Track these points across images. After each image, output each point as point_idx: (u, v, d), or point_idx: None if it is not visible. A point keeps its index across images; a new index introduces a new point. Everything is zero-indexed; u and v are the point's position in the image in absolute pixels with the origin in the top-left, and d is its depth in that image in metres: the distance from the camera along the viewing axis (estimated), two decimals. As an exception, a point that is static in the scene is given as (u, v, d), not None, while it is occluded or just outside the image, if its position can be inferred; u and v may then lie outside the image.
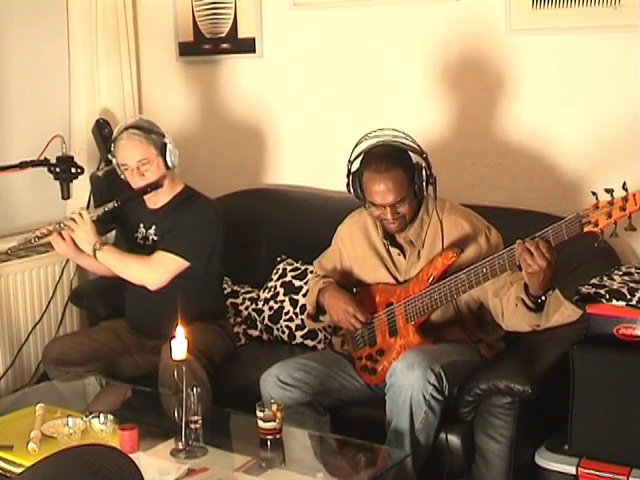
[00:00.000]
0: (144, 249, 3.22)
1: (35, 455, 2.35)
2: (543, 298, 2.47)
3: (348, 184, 2.76)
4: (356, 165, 2.76)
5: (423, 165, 2.68)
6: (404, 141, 2.71)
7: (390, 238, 2.81)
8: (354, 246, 2.91)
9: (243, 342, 3.43)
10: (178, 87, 4.13)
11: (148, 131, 3.14)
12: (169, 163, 3.16)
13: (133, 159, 3.12)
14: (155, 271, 3.12)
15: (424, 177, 2.67)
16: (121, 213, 3.29)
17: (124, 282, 3.20)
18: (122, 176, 3.20)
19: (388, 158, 2.66)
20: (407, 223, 2.74)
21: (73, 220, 3.10)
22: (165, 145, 3.14)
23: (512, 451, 2.65)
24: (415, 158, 2.71)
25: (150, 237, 3.24)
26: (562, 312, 2.48)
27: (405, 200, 2.67)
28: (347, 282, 2.95)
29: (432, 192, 2.71)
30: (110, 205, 3.14)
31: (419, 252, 2.77)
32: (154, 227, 3.24)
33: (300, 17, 3.74)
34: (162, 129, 3.18)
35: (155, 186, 3.17)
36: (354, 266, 2.93)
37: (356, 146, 2.75)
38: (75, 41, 3.90)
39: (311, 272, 3.34)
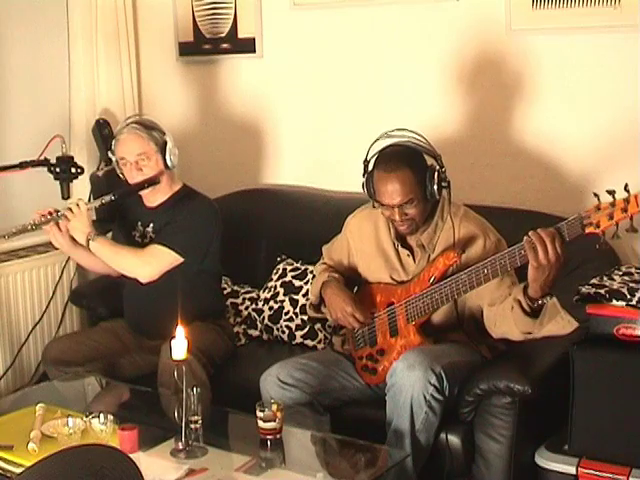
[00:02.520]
0: (142, 247, 3.21)
1: (35, 455, 2.34)
2: (540, 302, 2.45)
3: (363, 184, 2.75)
4: (371, 165, 2.74)
5: (437, 168, 2.66)
6: (419, 143, 2.68)
7: (401, 239, 2.80)
8: (362, 240, 2.90)
9: (243, 342, 3.43)
10: (178, 87, 4.13)
11: (149, 128, 3.15)
12: (168, 162, 3.16)
13: (132, 153, 3.12)
14: (148, 264, 3.11)
15: (436, 180, 2.64)
16: (119, 211, 3.30)
17: (123, 277, 3.20)
18: (120, 174, 3.19)
19: (397, 158, 2.65)
20: (418, 226, 2.72)
21: (70, 210, 3.09)
22: (165, 144, 3.15)
23: (512, 451, 2.64)
24: (430, 161, 2.69)
25: (148, 235, 3.24)
26: (557, 321, 2.46)
27: (413, 202, 2.65)
28: (353, 274, 2.94)
29: (447, 196, 2.69)
30: (107, 198, 3.13)
31: (429, 256, 2.75)
32: (152, 225, 3.24)
33: (300, 17, 3.74)
34: (164, 128, 3.19)
35: (152, 182, 3.16)
36: (359, 261, 2.92)
37: (372, 145, 2.72)
38: (75, 41, 3.90)
39: (311, 272, 3.34)
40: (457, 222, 2.72)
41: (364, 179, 2.73)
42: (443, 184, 2.66)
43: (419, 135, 2.69)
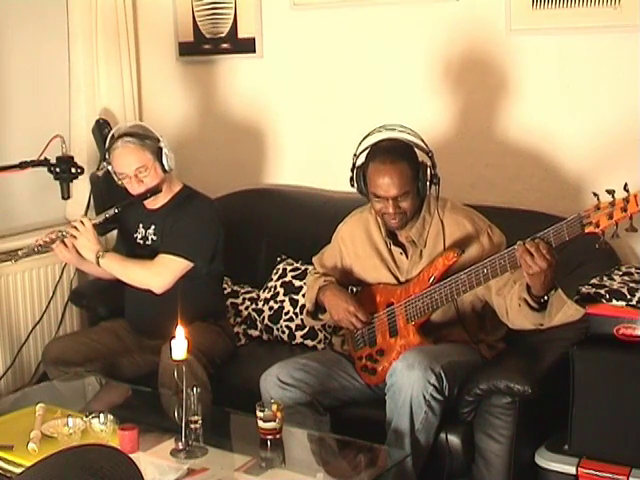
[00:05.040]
0: (144, 249, 3.23)
1: (35, 455, 2.34)
2: (546, 298, 2.47)
3: (352, 178, 2.76)
4: (361, 159, 2.76)
5: (428, 164, 2.69)
6: (412, 138, 2.71)
7: (392, 237, 2.81)
8: (355, 245, 2.91)
9: (243, 342, 3.43)
10: (178, 87, 4.13)
11: (142, 137, 3.13)
12: (166, 167, 3.16)
13: (130, 167, 3.12)
14: (159, 275, 3.13)
15: (428, 176, 2.68)
16: (120, 214, 3.30)
17: (124, 283, 3.21)
18: (119, 183, 3.20)
19: (395, 151, 2.67)
20: (408, 220, 2.74)
21: (75, 228, 3.11)
22: (160, 149, 3.14)
23: (512, 451, 2.65)
24: (421, 156, 2.72)
25: (149, 237, 3.25)
26: (565, 311, 2.47)
27: (408, 195, 2.67)
28: (347, 281, 2.95)
29: (435, 192, 2.72)
30: (111, 211, 3.16)
31: (421, 252, 2.77)
32: (153, 227, 3.24)
33: (300, 17, 3.74)
34: (156, 133, 3.17)
35: (155, 191, 3.17)
36: (354, 265, 2.92)
37: (363, 140, 2.74)
38: (75, 41, 3.90)
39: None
40: (444, 214, 2.75)
41: (353, 173, 2.75)
42: (434, 180, 2.69)
43: (411, 130, 2.71)
